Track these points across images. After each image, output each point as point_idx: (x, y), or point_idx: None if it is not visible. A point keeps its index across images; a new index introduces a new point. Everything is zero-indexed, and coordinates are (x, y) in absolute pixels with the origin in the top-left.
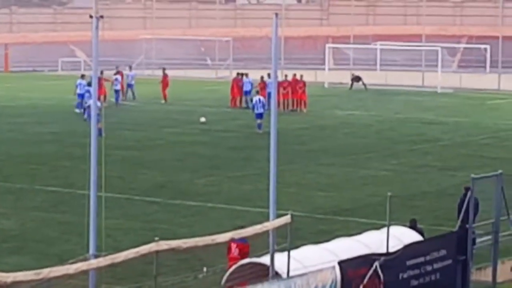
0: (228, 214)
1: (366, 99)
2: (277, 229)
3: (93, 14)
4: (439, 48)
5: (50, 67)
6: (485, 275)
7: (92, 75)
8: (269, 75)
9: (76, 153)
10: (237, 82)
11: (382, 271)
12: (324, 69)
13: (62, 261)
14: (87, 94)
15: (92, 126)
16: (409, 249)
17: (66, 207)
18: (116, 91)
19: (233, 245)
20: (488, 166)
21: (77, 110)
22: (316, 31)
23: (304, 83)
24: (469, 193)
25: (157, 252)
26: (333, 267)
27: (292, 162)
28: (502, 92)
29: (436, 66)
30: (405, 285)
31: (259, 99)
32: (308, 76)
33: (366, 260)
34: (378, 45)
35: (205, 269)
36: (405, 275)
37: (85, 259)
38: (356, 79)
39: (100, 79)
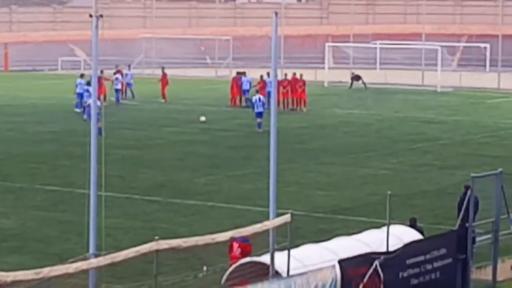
0: (228, 213)
1: (366, 98)
2: (277, 228)
3: (92, 13)
4: (439, 47)
5: (50, 66)
6: (485, 274)
7: (92, 74)
8: (268, 74)
9: (76, 152)
10: (237, 81)
11: (382, 270)
12: (323, 68)
13: (62, 260)
14: (86, 94)
15: (92, 125)
16: (409, 248)
17: (66, 206)
18: (117, 90)
19: (235, 244)
20: (488, 165)
21: (77, 110)
22: (316, 30)
23: (304, 82)
24: (469, 192)
25: (157, 251)
26: (333, 266)
27: (292, 161)
28: (502, 91)
29: (436, 65)
30: (405, 284)
31: (259, 98)
32: (308, 75)
33: (366, 259)
34: (378, 44)
35: (205, 268)
36: (405, 274)
37: (85, 258)
38: (356, 78)
39: (100, 78)
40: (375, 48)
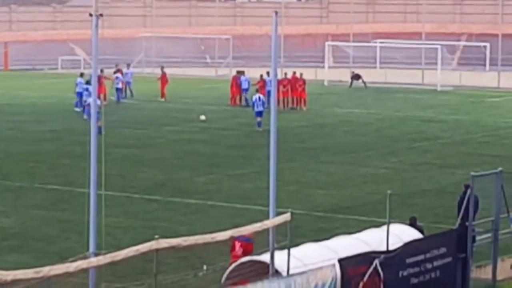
0: (228, 212)
1: (365, 97)
2: (277, 227)
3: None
4: (438, 46)
5: (49, 66)
6: (485, 273)
7: (92, 73)
8: (268, 73)
9: (76, 151)
10: (237, 80)
11: (382, 269)
12: (323, 67)
13: (62, 259)
14: (85, 93)
15: (92, 124)
16: (409, 247)
17: (66, 205)
18: (118, 89)
19: (237, 244)
20: (487, 164)
21: (76, 109)
22: (316, 29)
23: (304, 81)
24: (469, 191)
25: (157, 250)
26: (333, 265)
27: (292, 160)
28: (502, 90)
29: (436, 64)
30: (405, 283)
31: (259, 97)
32: (308, 74)
33: (366, 258)
34: (378, 43)
35: (205, 267)
36: (405, 273)
37: (85, 257)
38: (356, 77)
39: (100, 78)
40: (375, 47)
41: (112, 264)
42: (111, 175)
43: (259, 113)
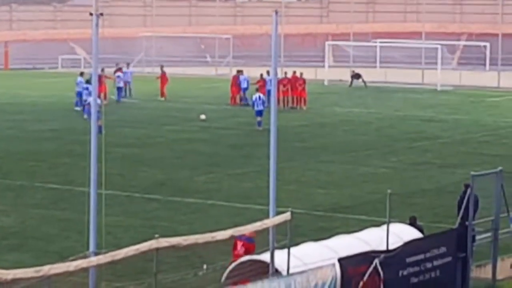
0: (228, 212)
1: (365, 97)
2: (277, 226)
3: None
4: (438, 46)
5: (50, 65)
6: (485, 272)
7: (92, 72)
8: (268, 72)
9: (76, 151)
10: (237, 80)
11: (382, 268)
12: (323, 66)
13: (62, 258)
14: (85, 92)
15: (92, 124)
16: (409, 246)
17: (66, 204)
18: (119, 88)
19: (239, 243)
20: (487, 164)
21: (77, 108)
22: (316, 29)
23: (304, 81)
24: (469, 190)
25: (157, 249)
26: (333, 264)
27: (292, 159)
28: (502, 89)
29: (436, 63)
30: (405, 282)
31: (259, 97)
32: (308, 74)
33: (366, 257)
34: (378, 43)
35: (205, 266)
36: (405, 272)
37: (85, 256)
38: (356, 76)
39: (100, 77)
40: (375, 46)
41: (112, 263)
42: (111, 174)
43: (259, 113)
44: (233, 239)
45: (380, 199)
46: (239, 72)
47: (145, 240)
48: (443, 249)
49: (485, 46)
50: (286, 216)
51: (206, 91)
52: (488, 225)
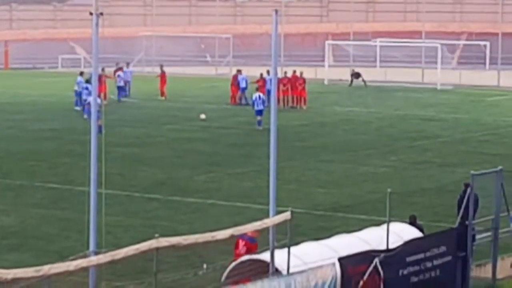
0: (228, 211)
1: (365, 96)
2: (277, 225)
3: (93, 11)
4: (438, 45)
5: (50, 64)
6: (485, 272)
7: (92, 72)
8: (268, 72)
9: (76, 150)
10: (236, 79)
11: (382, 268)
12: (324, 65)
13: (62, 258)
14: (85, 91)
15: (92, 123)
16: (409, 246)
17: (66, 204)
18: (119, 88)
19: (241, 242)
20: (487, 163)
21: (77, 108)
22: (316, 28)
23: (304, 80)
24: (468, 190)
25: (157, 249)
26: (333, 264)
27: (292, 158)
28: (502, 88)
29: (436, 62)
30: (405, 281)
31: (259, 96)
32: (308, 73)
33: (366, 256)
34: (378, 42)
35: (205, 266)
36: (405, 272)
37: (85, 256)
38: (356, 75)
39: (100, 76)
40: (375, 46)
41: (112, 262)
42: (111, 174)
43: (259, 112)
44: (235, 238)
45: (380, 198)
46: (239, 71)
47: (145, 240)
48: (443, 248)
49: (485, 45)
50: (286, 215)
51: (206, 90)
52: (488, 224)
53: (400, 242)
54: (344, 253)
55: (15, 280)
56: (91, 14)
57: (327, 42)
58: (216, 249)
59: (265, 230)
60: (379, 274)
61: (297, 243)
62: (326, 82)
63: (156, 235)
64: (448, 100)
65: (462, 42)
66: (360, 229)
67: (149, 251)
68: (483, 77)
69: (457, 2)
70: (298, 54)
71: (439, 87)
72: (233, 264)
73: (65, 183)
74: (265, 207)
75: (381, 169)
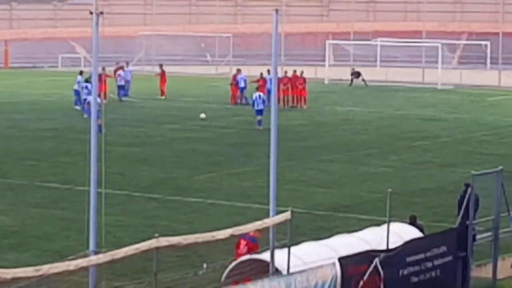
0: (228, 211)
1: (366, 96)
2: (277, 225)
3: (93, 10)
4: (439, 45)
5: (50, 63)
6: (486, 272)
7: (92, 71)
8: (269, 71)
9: (76, 150)
10: (236, 79)
11: (382, 268)
12: (324, 65)
13: (62, 258)
14: (85, 91)
15: (92, 122)
16: (409, 246)
17: (66, 203)
18: (119, 87)
19: (243, 242)
20: (488, 163)
21: (76, 107)
22: (316, 27)
23: (304, 79)
24: (469, 190)
25: (157, 248)
26: (333, 264)
27: (292, 158)
28: (502, 88)
29: (436, 62)
30: (405, 281)
31: (259, 96)
32: (308, 73)
33: (366, 256)
34: (378, 42)
35: (205, 265)
36: (405, 272)
37: (85, 256)
38: (356, 74)
39: (100, 75)
40: (376, 45)
41: (112, 262)
42: (111, 173)
43: (259, 112)
44: (235, 238)
45: (380, 198)
46: (238, 71)
47: (145, 240)
48: (443, 249)
49: (485, 45)
50: (286, 215)
51: (206, 90)
52: (489, 224)
53: (400, 242)
54: (344, 253)
55: (14, 280)
56: (91, 13)
57: (327, 41)
58: (216, 249)
59: (265, 230)
60: (379, 274)
61: (297, 243)
62: (326, 82)
63: (156, 234)
64: (449, 100)
65: (462, 42)
66: (360, 229)
67: (149, 250)
68: (484, 77)
69: (458, 1)
70: (299, 53)
71: (439, 87)
72: (233, 264)
73: (65, 182)
74: (265, 207)
75: (381, 169)
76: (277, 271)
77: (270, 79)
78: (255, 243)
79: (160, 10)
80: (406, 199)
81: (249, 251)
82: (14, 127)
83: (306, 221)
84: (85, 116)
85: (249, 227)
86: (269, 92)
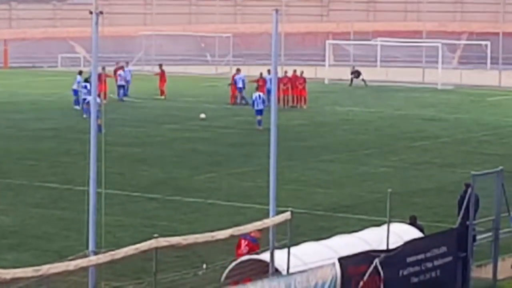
0: (228, 211)
1: (366, 96)
2: (277, 225)
3: (92, 10)
4: (439, 45)
5: (49, 63)
6: (486, 272)
7: (92, 71)
8: (269, 71)
9: (76, 149)
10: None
11: (382, 268)
12: (324, 65)
13: (61, 258)
14: (84, 90)
15: (92, 122)
16: (409, 246)
17: (66, 203)
18: (119, 87)
19: (243, 242)
20: (488, 163)
21: (76, 107)
22: (316, 27)
23: (304, 79)
24: (469, 190)
25: (156, 248)
26: (333, 264)
27: (292, 158)
28: (503, 88)
29: (437, 62)
30: (405, 282)
31: (259, 96)
32: (308, 72)
33: (366, 257)
34: (379, 41)
35: (204, 265)
36: (405, 272)
37: (85, 256)
38: (356, 73)
39: (100, 75)
40: (376, 45)
41: (112, 262)
42: (110, 173)
43: (259, 112)
44: (236, 238)
45: (380, 199)
46: (238, 71)
47: (145, 240)
48: (443, 249)
49: (486, 45)
50: (286, 215)
51: (206, 90)
52: (489, 224)
53: (400, 243)
54: (344, 253)
55: (14, 280)
56: (90, 13)
57: (327, 41)
58: (216, 249)
59: (266, 230)
60: (379, 274)
61: (297, 243)
62: (326, 82)
63: (156, 235)
64: (449, 100)
65: (463, 42)
66: (360, 229)
67: (149, 251)
68: (484, 77)
69: (458, 1)
70: (299, 53)
71: (439, 87)
72: (233, 264)
73: (64, 182)
74: (265, 207)
75: (381, 169)
76: (277, 272)
77: (270, 79)
78: (256, 243)
79: (160, 10)
80: (406, 199)
81: (249, 252)
82: (13, 127)
83: (306, 221)
84: (85, 116)
85: (249, 227)
86: (269, 92)
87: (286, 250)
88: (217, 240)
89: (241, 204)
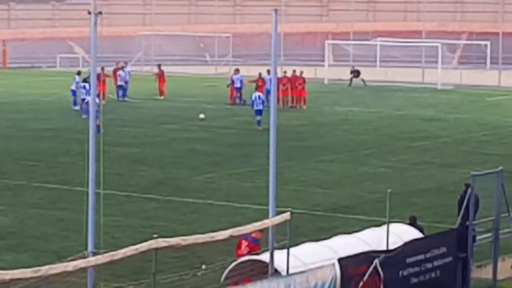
0: (227, 211)
1: (365, 96)
2: (277, 226)
3: (91, 10)
4: (439, 44)
5: (48, 63)
6: (486, 273)
7: (91, 71)
8: (268, 71)
9: (75, 150)
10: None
11: (382, 269)
12: (323, 65)
13: (60, 258)
14: (83, 91)
15: (91, 123)
16: (409, 246)
17: (65, 204)
18: (119, 87)
19: (244, 242)
20: (488, 163)
21: (75, 107)
22: (316, 27)
23: (304, 80)
24: (469, 190)
25: (156, 249)
26: (333, 265)
27: (292, 159)
28: (502, 88)
29: (436, 62)
30: (405, 282)
31: (258, 96)
32: (308, 73)
33: (366, 257)
34: (378, 42)
35: (204, 266)
36: (405, 273)
37: (84, 256)
38: (355, 73)
39: (99, 76)
40: (376, 45)
41: (111, 263)
42: (109, 174)
43: (259, 112)
44: (235, 238)
45: (380, 199)
46: (236, 71)
47: (144, 240)
48: (443, 249)
49: (485, 45)
50: (286, 216)
51: (206, 90)
52: (489, 225)
53: (400, 243)
54: (344, 253)
55: (13, 281)
56: (89, 13)
57: (327, 41)
58: (216, 249)
59: (265, 230)
60: (379, 275)
61: (296, 244)
62: (326, 82)
63: (155, 235)
64: (449, 100)
65: (462, 41)
66: (360, 230)
67: (148, 251)
68: (484, 77)
69: (458, 1)
70: (298, 53)
71: (439, 87)
72: (233, 264)
73: (63, 183)
74: (264, 208)
75: (380, 169)
76: (276, 272)
77: (270, 79)
78: (256, 244)
79: (159, 10)
80: (406, 199)
81: (250, 252)
82: (13, 127)
83: (305, 222)
84: (84, 116)
85: (249, 228)
86: (268, 92)
87: (285, 250)
88: (216, 241)
89: (241, 204)
